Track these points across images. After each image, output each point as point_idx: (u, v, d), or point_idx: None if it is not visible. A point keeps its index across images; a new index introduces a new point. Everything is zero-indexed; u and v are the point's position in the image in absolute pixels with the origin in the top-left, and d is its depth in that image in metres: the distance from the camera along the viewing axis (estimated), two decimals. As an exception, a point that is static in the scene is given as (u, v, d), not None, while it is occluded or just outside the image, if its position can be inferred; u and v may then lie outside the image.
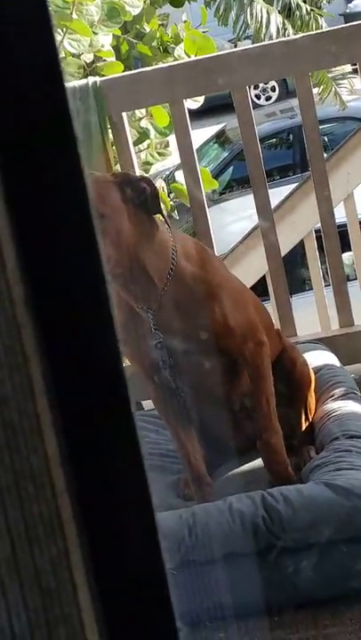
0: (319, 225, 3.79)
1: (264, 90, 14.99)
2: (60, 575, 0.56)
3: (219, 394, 2.86)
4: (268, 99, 15.46)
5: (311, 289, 5.05)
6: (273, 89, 16.33)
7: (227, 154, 10.96)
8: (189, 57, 6.21)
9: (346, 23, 17.33)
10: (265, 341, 2.86)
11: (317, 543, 2.57)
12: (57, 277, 0.55)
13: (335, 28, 3.66)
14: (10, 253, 0.54)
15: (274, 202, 3.80)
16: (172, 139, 4.34)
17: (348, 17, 19.14)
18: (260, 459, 2.88)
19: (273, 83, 15.31)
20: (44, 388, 0.55)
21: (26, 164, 0.55)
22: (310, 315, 4.07)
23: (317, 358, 3.29)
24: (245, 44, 11.10)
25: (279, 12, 10.75)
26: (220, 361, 2.80)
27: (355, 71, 10.87)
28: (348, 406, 3.04)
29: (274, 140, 10.88)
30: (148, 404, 3.28)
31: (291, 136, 11.08)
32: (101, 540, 0.58)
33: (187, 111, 3.63)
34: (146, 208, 2.70)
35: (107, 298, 0.55)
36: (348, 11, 20.06)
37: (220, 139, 11.82)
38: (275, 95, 16.26)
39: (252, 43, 10.60)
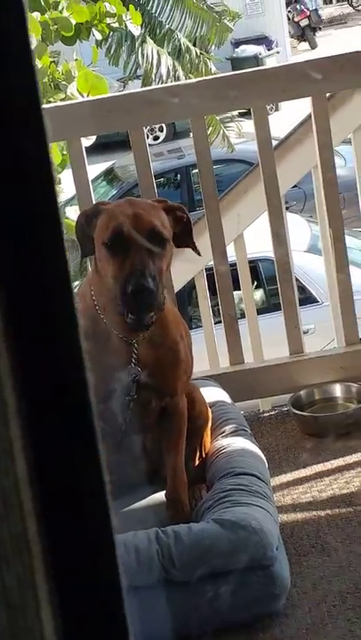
0: (210, 264, 3.87)
1: (152, 130, 15.16)
2: (25, 592, 0.59)
3: (141, 432, 2.90)
4: (155, 138, 15.65)
5: (198, 327, 5.13)
6: (161, 129, 16.51)
7: (115, 191, 11.02)
8: (82, 95, 6.27)
9: (233, 67, 17.77)
10: (191, 391, 2.98)
11: (208, 576, 2.62)
12: (31, 309, 0.59)
13: (234, 73, 3.77)
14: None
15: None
16: (62, 176, 4.36)
17: (235, 61, 19.57)
18: (158, 494, 2.92)
19: (160, 123, 15.47)
20: (17, 413, 0.58)
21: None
22: (198, 352, 4.13)
23: (209, 395, 3.35)
24: (135, 84, 11.23)
25: (169, 54, 10.92)
26: (158, 403, 2.84)
27: (242, 114, 11.11)
28: (238, 443, 3.11)
29: (162, 179, 10.99)
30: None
31: (178, 176, 11.22)
32: (64, 560, 0.61)
33: (84, 148, 3.68)
34: (177, 237, 2.74)
35: (77, 329, 0.58)
36: (235, 55, 20.51)
37: (109, 176, 11.89)
38: (162, 135, 16.45)
39: (142, 83, 10.73)
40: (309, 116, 4.13)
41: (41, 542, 0.60)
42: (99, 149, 10.79)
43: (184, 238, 2.79)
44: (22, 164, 0.58)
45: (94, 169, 11.80)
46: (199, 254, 2.87)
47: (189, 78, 10.49)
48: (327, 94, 3.73)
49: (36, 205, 0.58)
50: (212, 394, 3.41)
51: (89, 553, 0.61)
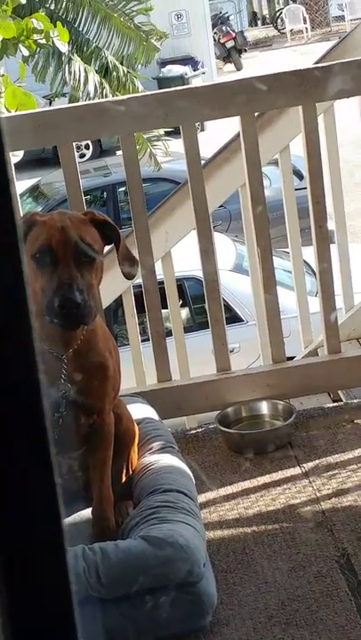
0: (138, 281, 3.87)
1: (78, 147, 15.14)
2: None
3: (69, 449, 2.87)
4: (81, 156, 15.63)
5: (123, 345, 5.13)
6: (87, 147, 16.51)
7: (41, 208, 10.98)
8: (9, 111, 6.23)
9: (159, 87, 17.89)
10: (118, 408, 2.96)
11: (135, 593, 2.60)
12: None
13: (164, 90, 3.78)
14: None
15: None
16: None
17: (162, 81, 19.68)
18: (84, 511, 2.90)
19: (87, 141, 15.46)
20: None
21: None
22: (124, 370, 4.12)
23: (137, 411, 3.34)
24: (62, 102, 11.21)
25: (97, 72, 10.93)
26: (86, 420, 2.82)
27: (168, 133, 11.15)
28: (165, 460, 3.11)
29: (88, 197, 10.98)
30: None
31: (105, 194, 11.22)
32: (16, 579, 0.60)
33: (12, 165, 3.66)
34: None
35: (30, 330, 0.58)
36: (161, 75, 20.63)
37: (35, 193, 11.83)
38: (89, 153, 16.45)
39: (69, 100, 10.72)
40: (237, 135, 4.16)
41: None
42: (21, 166, 10.73)
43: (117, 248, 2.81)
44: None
45: (19, 186, 11.75)
46: (136, 263, 2.88)
47: (117, 96, 10.52)
48: (255, 114, 3.76)
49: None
50: (140, 411, 3.41)
51: (41, 573, 0.61)
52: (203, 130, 14.79)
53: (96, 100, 4.94)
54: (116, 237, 2.80)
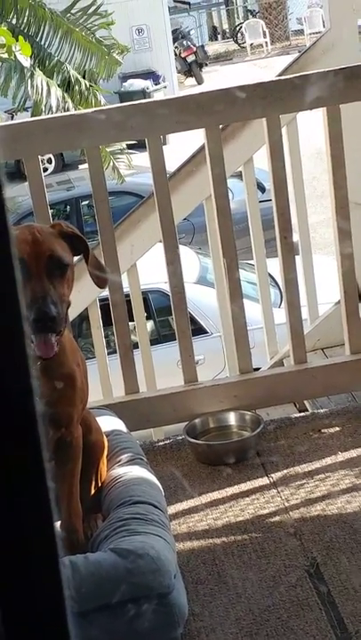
0: (103, 294, 3.88)
1: (41, 161, 15.13)
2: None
3: None
4: (44, 170, 15.58)
5: (88, 358, 5.11)
6: (49, 161, 16.49)
7: (4, 222, 10.93)
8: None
9: (121, 101, 17.86)
10: (87, 420, 2.96)
11: (106, 606, 2.60)
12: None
13: (130, 103, 3.79)
14: None
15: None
16: None
17: (124, 95, 19.71)
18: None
19: (49, 155, 15.43)
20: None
21: None
22: (90, 383, 4.11)
23: (105, 423, 3.34)
24: (24, 116, 11.20)
25: (59, 86, 10.93)
26: (55, 433, 2.82)
27: (131, 147, 11.16)
28: (134, 471, 3.11)
29: (52, 210, 10.96)
30: None
31: (68, 207, 11.21)
32: (8, 586, 0.60)
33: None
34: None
35: (23, 336, 0.58)
36: (122, 89, 20.67)
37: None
38: (51, 167, 16.43)
39: (32, 114, 10.70)
40: (201, 148, 4.19)
41: None
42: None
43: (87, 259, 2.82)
44: None
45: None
46: (106, 271, 2.88)
47: (79, 110, 10.52)
48: (220, 126, 3.78)
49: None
50: (108, 423, 3.40)
51: (34, 582, 0.61)
52: (165, 143, 14.81)
53: (60, 114, 4.94)
54: (84, 248, 2.80)
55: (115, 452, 3.21)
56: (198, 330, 7.21)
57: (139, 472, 3.11)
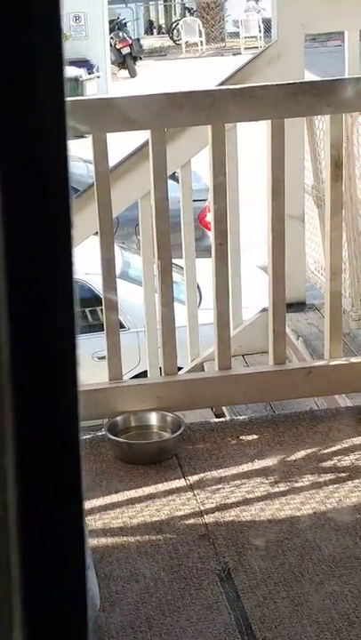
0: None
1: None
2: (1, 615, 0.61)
3: None
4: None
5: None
6: None
7: None
8: None
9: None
10: None
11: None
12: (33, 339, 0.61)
13: (76, 99, 3.79)
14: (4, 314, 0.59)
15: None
16: None
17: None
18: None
19: None
20: (14, 443, 0.60)
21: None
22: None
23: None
24: None
25: None
26: None
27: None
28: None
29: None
30: None
31: None
32: (36, 584, 0.63)
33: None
34: None
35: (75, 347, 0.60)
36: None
37: None
38: None
39: None
40: (141, 146, 4.22)
41: (20, 566, 0.61)
42: None
43: None
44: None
45: None
46: None
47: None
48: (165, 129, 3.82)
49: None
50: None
51: (61, 580, 0.64)
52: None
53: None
54: None
55: None
56: (117, 325, 7.21)
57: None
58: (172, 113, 3.68)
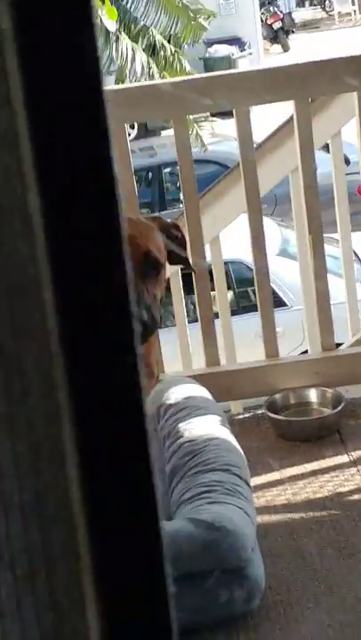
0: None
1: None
2: (71, 594, 0.59)
3: None
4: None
5: (166, 326, 5.11)
6: (132, 126, 16.49)
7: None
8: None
9: (206, 67, 17.69)
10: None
11: (182, 577, 2.62)
12: (87, 314, 0.59)
13: (218, 73, 3.79)
14: (48, 285, 0.57)
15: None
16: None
17: (208, 61, 19.61)
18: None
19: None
20: (70, 415, 0.58)
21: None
22: (170, 352, 4.11)
23: (192, 391, 3.28)
24: (109, 80, 11.21)
25: (144, 51, 10.92)
26: None
27: (214, 114, 11.12)
28: (225, 436, 3.05)
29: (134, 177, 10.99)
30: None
31: (150, 174, 11.22)
32: (109, 562, 0.61)
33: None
34: (170, 255, 2.62)
35: (132, 335, 0.59)
36: (207, 55, 20.53)
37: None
38: (133, 133, 16.44)
39: (116, 79, 10.72)
40: (289, 119, 4.14)
41: (89, 544, 0.60)
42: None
43: (177, 257, 2.69)
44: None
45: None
46: (194, 272, 2.81)
47: (163, 76, 10.50)
48: (309, 99, 3.74)
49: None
50: (196, 390, 3.35)
51: (136, 556, 0.62)
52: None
53: (147, 82, 4.94)
54: (183, 243, 2.74)
55: (204, 410, 3.13)
56: (278, 302, 7.18)
57: (229, 438, 3.08)
58: (315, 82, 3.61)
